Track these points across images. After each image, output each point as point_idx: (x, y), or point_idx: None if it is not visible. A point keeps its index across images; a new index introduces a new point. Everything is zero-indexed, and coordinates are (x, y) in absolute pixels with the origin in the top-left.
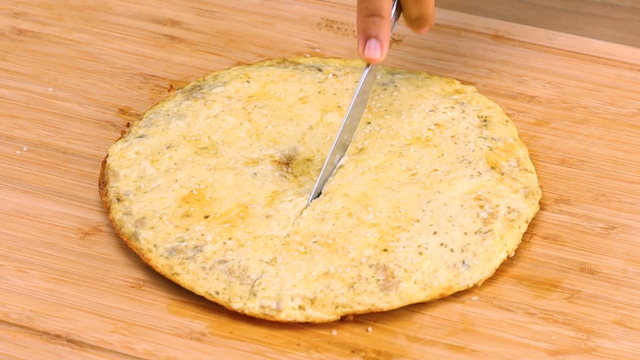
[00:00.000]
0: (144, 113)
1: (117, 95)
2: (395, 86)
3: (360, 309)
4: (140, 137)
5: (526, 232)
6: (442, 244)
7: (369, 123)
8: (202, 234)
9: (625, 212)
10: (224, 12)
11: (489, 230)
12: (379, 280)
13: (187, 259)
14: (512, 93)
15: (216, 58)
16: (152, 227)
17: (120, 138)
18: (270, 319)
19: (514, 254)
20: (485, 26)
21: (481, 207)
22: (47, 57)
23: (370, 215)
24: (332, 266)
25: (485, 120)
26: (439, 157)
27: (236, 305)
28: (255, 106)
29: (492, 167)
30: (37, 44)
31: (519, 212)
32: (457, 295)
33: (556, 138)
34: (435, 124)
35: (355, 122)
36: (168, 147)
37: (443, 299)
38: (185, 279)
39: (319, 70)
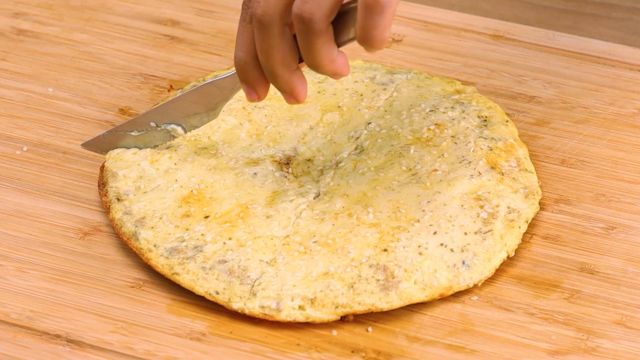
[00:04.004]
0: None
1: (117, 95)
2: (396, 86)
3: (360, 309)
4: None
5: (526, 232)
6: (442, 244)
7: (369, 123)
8: (202, 234)
9: (625, 212)
10: (224, 12)
11: (489, 230)
12: (379, 280)
13: (187, 259)
14: (512, 93)
15: (216, 58)
16: (152, 227)
17: None
18: (270, 319)
19: (514, 254)
20: (485, 26)
21: (481, 207)
22: (47, 57)
23: (370, 215)
24: (332, 266)
25: (485, 120)
26: (439, 157)
27: (236, 305)
28: (255, 106)
29: (492, 167)
30: (37, 44)
31: (519, 212)
32: (457, 295)
33: (556, 138)
34: (436, 124)
35: None
36: (168, 147)
37: (443, 299)
38: (185, 279)
39: None
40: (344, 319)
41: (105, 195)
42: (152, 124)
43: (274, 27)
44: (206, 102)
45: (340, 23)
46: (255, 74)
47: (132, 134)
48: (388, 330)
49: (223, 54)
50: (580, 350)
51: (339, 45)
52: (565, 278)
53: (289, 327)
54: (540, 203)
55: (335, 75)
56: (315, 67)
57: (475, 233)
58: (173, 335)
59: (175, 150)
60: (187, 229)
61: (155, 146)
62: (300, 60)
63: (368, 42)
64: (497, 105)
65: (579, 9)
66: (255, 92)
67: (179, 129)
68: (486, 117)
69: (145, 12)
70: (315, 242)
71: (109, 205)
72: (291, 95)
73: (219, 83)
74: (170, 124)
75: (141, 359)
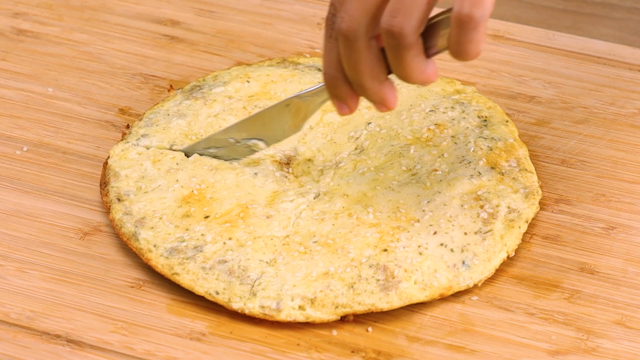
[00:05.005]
0: (144, 113)
1: (117, 95)
2: (395, 86)
3: (360, 309)
4: (142, 137)
5: (526, 232)
6: (442, 244)
7: (369, 123)
8: (202, 234)
9: (625, 212)
10: (224, 12)
11: (489, 231)
12: (379, 280)
13: (187, 259)
14: (512, 93)
15: (216, 58)
16: (152, 227)
17: (121, 140)
18: (270, 319)
19: (514, 254)
20: None
21: (481, 207)
22: (47, 57)
23: (370, 215)
24: (332, 266)
25: (485, 120)
26: (439, 157)
27: (236, 305)
28: (255, 106)
29: (492, 167)
30: (37, 44)
31: (519, 212)
32: (457, 295)
33: (556, 138)
34: (436, 124)
35: None
36: (171, 147)
37: (443, 299)
38: (185, 279)
39: (319, 70)
40: (344, 319)
41: (107, 195)
42: (231, 139)
43: (360, 41)
44: (290, 115)
45: (430, 34)
46: (346, 88)
47: (210, 151)
48: (388, 330)
49: (223, 54)
50: (580, 350)
51: (428, 56)
52: (565, 278)
53: (289, 327)
54: (540, 203)
55: (425, 83)
56: (406, 79)
57: (475, 233)
58: (173, 335)
59: (178, 149)
60: (187, 229)
61: (233, 159)
62: (389, 71)
63: (462, 56)
64: (497, 105)
65: (579, 9)
66: (347, 105)
67: (261, 144)
68: (486, 117)
69: (145, 12)
70: (315, 242)
71: (110, 206)
72: (382, 105)
73: (304, 97)
74: (251, 139)
75: (141, 359)
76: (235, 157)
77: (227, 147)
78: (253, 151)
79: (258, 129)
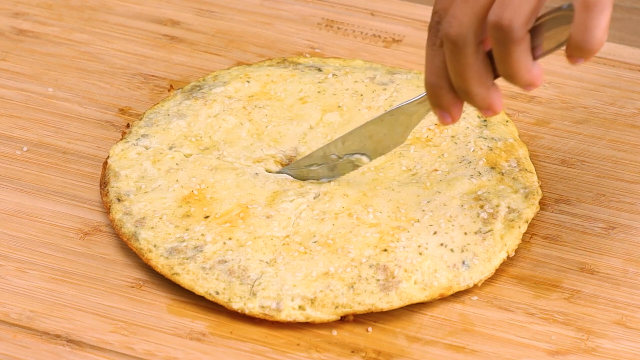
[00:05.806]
0: (144, 113)
1: (117, 95)
2: (396, 86)
3: (360, 309)
4: (142, 137)
5: (526, 232)
6: (442, 244)
7: None
8: (202, 234)
9: (625, 212)
10: (224, 12)
11: (489, 231)
12: (379, 280)
13: (187, 259)
14: (512, 93)
15: (216, 58)
16: (152, 227)
17: (121, 139)
18: (270, 319)
19: (514, 254)
20: None
21: (481, 207)
22: (47, 57)
23: (370, 215)
24: (332, 266)
25: (485, 120)
26: (439, 157)
27: (236, 305)
28: (255, 106)
29: (492, 167)
30: (37, 44)
31: (519, 212)
32: (457, 295)
33: (556, 138)
34: (435, 124)
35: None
36: (170, 148)
37: (443, 299)
38: (185, 279)
39: (319, 70)
40: (344, 319)
41: (106, 195)
42: (333, 156)
43: (469, 47)
44: (392, 128)
45: (536, 34)
46: (450, 97)
47: (312, 168)
48: (388, 330)
49: (223, 54)
50: (580, 350)
51: (534, 57)
52: (565, 278)
53: (289, 327)
54: (540, 203)
55: (530, 86)
56: (511, 77)
57: (475, 233)
58: (173, 335)
59: (177, 150)
60: (187, 229)
61: (336, 176)
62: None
63: (586, 45)
64: None
65: None
66: (450, 114)
67: (364, 158)
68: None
69: (145, 12)
70: (315, 242)
71: (110, 206)
72: (489, 110)
73: (405, 109)
74: (353, 154)
75: (141, 359)
76: (338, 173)
77: (329, 163)
78: (356, 166)
79: (360, 143)
